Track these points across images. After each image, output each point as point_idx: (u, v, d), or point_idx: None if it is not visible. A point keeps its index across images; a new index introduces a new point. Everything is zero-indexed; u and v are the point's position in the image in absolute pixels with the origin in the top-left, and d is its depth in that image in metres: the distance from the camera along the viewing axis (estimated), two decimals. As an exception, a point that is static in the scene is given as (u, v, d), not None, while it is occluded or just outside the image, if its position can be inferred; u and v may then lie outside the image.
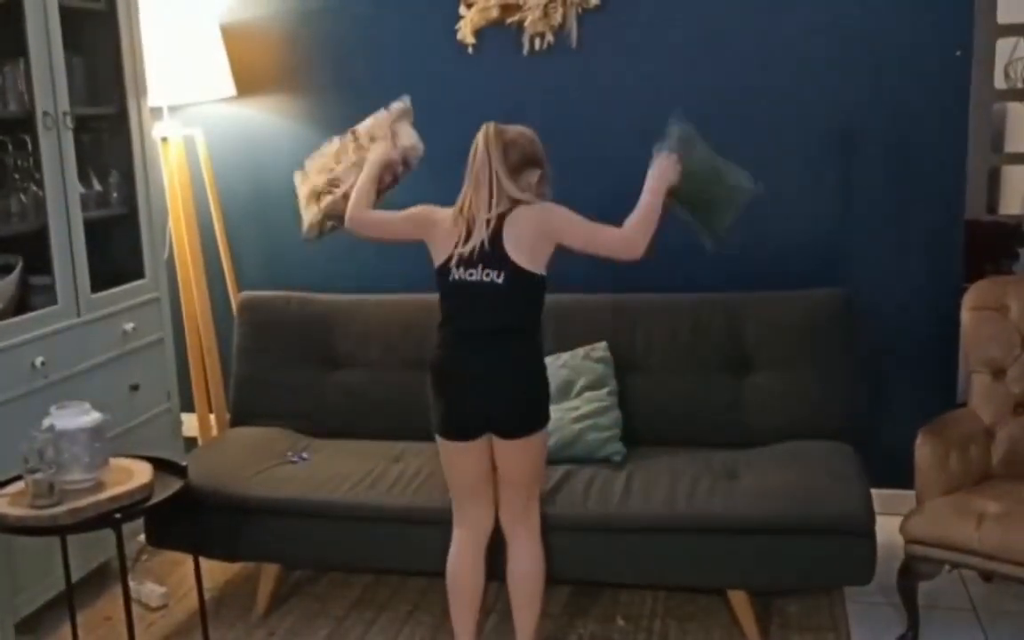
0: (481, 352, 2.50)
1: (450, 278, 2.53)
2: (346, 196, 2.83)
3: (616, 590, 3.11)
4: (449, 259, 2.53)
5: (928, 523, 2.67)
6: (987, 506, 2.65)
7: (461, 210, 2.54)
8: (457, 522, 2.68)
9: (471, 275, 2.49)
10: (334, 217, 2.86)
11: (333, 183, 2.89)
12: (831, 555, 2.66)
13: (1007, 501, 2.67)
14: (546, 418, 2.58)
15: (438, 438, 2.60)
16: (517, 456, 2.55)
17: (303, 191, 2.94)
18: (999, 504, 2.65)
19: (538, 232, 2.51)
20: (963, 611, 2.96)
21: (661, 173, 2.55)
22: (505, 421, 2.51)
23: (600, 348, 3.23)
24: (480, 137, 2.55)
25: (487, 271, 2.48)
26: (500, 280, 2.47)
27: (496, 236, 2.48)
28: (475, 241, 2.49)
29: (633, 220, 2.49)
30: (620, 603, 3.07)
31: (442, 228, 2.58)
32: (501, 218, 2.49)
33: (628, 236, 2.49)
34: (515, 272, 2.47)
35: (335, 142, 2.96)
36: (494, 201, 2.49)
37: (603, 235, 2.52)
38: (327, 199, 2.88)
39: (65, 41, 3.06)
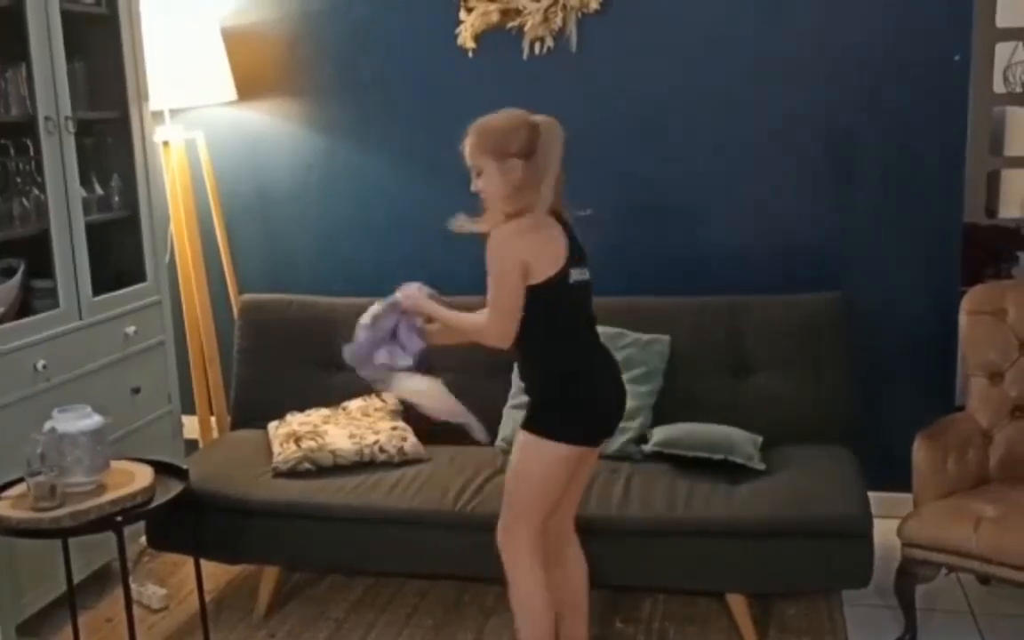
0: (606, 354, 2.49)
1: (569, 281, 2.37)
2: (331, 451, 3.05)
3: (615, 593, 3.11)
4: (566, 263, 2.36)
5: (925, 526, 2.68)
6: (984, 509, 2.66)
7: (554, 214, 2.38)
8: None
9: (579, 274, 2.39)
10: (312, 462, 3.03)
11: (316, 434, 3.10)
12: (829, 558, 2.67)
13: (1004, 504, 2.68)
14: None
15: (567, 447, 2.41)
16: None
17: (281, 431, 3.15)
18: (996, 507, 2.66)
19: None
20: (960, 614, 2.97)
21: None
22: None
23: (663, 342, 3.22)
24: (553, 127, 2.35)
25: (581, 268, 2.42)
26: (588, 275, 2.43)
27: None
28: (569, 240, 2.39)
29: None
30: (619, 606, 3.08)
31: (539, 241, 2.35)
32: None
33: None
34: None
35: (323, 411, 3.23)
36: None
37: None
38: (309, 444, 3.07)
39: (67, 45, 3.07)
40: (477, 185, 2.41)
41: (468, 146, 2.39)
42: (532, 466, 2.43)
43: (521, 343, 2.40)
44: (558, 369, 2.43)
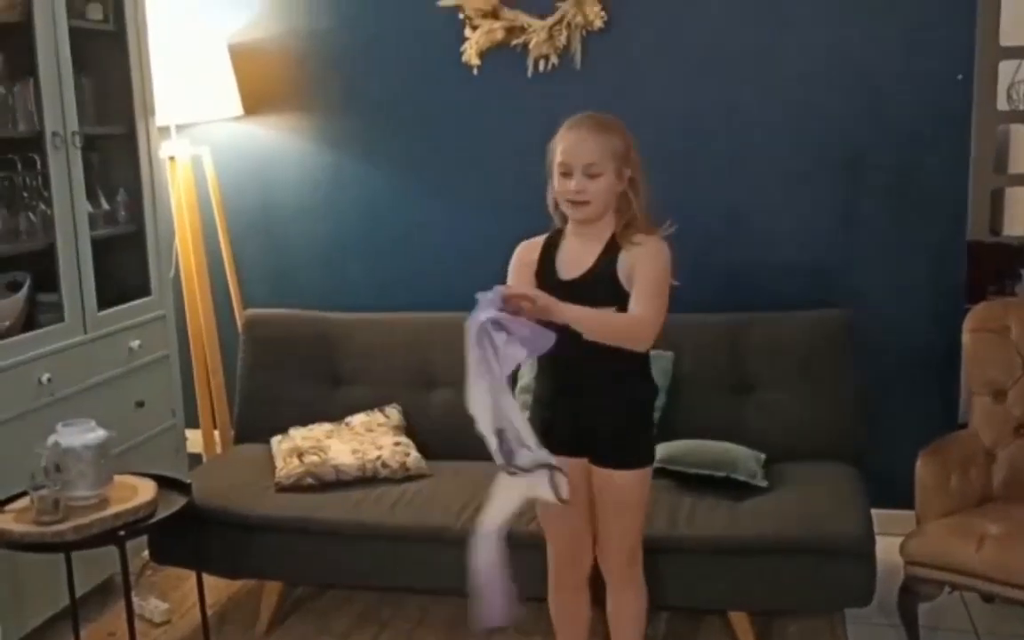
0: None
1: None
2: (334, 466, 3.04)
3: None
4: None
5: (928, 544, 2.68)
6: (988, 528, 2.65)
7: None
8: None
9: None
10: (314, 476, 3.04)
11: (319, 449, 3.11)
12: (831, 576, 2.66)
13: (1008, 523, 2.67)
14: None
15: (650, 471, 2.41)
16: None
17: (284, 446, 3.16)
18: (999, 526, 2.66)
19: None
20: (964, 633, 2.96)
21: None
22: None
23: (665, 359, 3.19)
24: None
25: None
26: None
27: None
28: None
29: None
30: (621, 622, 3.07)
31: None
32: None
33: None
34: None
35: (326, 426, 3.24)
36: None
37: None
38: (311, 459, 3.07)
39: (74, 61, 3.09)
40: (584, 186, 2.24)
41: (596, 145, 2.25)
42: (643, 497, 2.39)
43: (635, 365, 2.31)
44: (653, 390, 2.43)
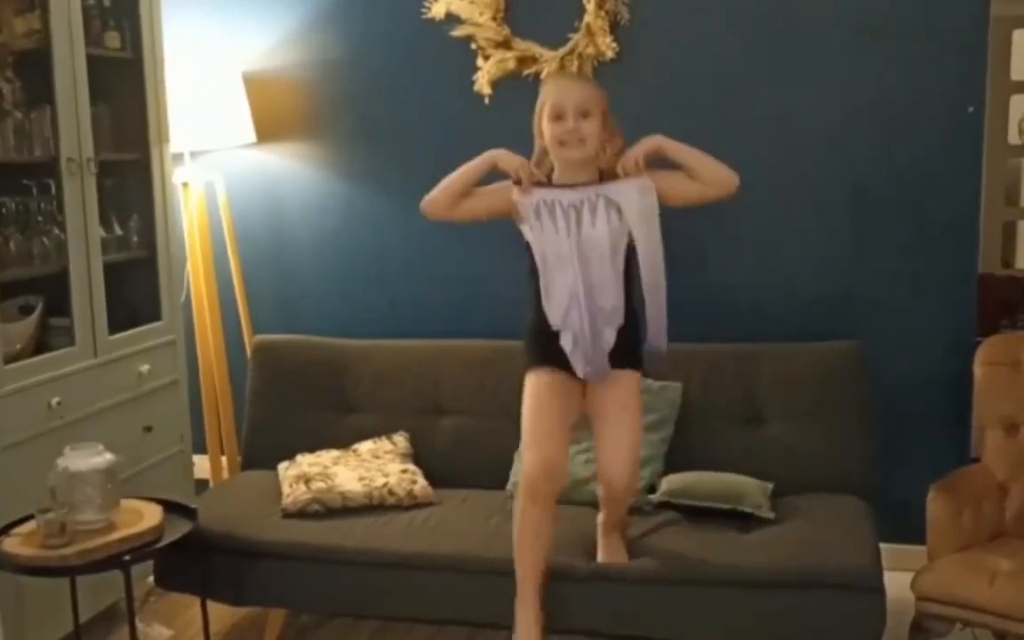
0: None
1: None
2: (340, 493, 3.05)
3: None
4: None
5: (940, 580, 2.65)
6: (1000, 564, 2.62)
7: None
8: None
9: None
10: (321, 503, 3.04)
11: (326, 475, 3.11)
12: (840, 611, 2.61)
13: (1020, 559, 2.64)
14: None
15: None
16: None
17: (290, 472, 3.16)
18: (1012, 562, 2.63)
19: None
20: (977, 671, 2.91)
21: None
22: None
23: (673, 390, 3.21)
24: None
25: None
26: None
27: None
28: None
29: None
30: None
31: None
32: None
33: None
34: None
35: (333, 452, 3.26)
36: None
37: None
38: (318, 485, 3.07)
39: (91, 88, 3.13)
40: (579, 124, 2.53)
41: (586, 88, 2.63)
42: (640, 403, 2.70)
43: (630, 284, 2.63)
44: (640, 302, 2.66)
